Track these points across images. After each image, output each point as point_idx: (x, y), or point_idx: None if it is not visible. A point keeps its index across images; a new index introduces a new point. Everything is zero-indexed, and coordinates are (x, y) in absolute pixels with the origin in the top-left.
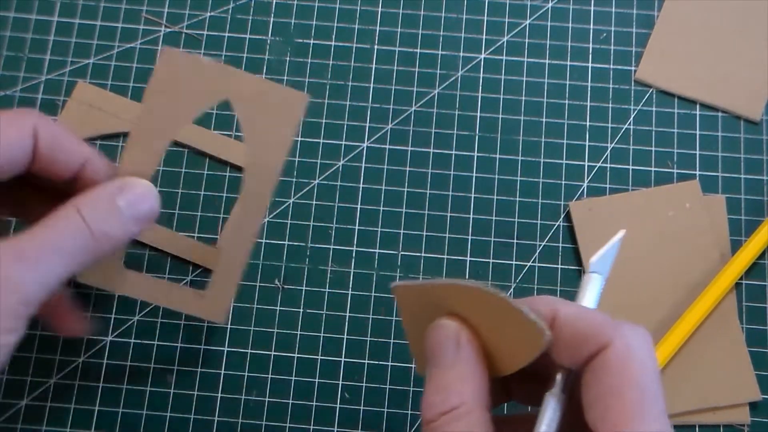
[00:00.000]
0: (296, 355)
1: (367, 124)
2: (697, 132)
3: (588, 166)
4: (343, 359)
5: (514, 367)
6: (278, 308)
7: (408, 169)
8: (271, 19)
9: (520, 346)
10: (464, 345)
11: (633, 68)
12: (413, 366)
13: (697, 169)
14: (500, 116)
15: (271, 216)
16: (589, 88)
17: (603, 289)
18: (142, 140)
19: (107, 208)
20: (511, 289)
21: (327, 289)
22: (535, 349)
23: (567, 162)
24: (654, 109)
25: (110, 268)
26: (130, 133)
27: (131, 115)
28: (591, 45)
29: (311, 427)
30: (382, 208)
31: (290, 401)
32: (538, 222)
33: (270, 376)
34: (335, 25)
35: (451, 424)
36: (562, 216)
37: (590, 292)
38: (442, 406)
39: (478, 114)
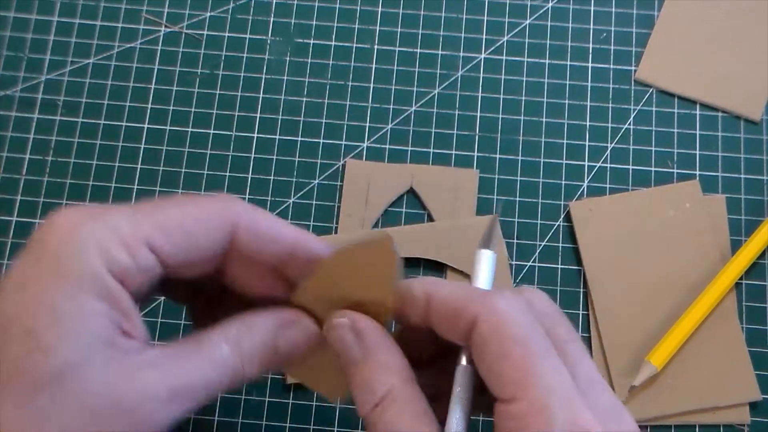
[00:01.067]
0: None
1: (367, 124)
2: (697, 132)
3: (588, 166)
4: None
5: (393, 298)
6: None
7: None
8: (271, 19)
9: (384, 273)
10: (363, 332)
11: (633, 68)
12: None
13: (697, 169)
14: (500, 116)
15: None
16: (589, 88)
17: (495, 264)
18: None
19: (267, 345)
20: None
21: None
22: (393, 264)
23: (567, 162)
24: (654, 109)
25: None
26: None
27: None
28: (591, 45)
29: (311, 427)
30: None
31: (290, 401)
32: (538, 222)
33: (270, 376)
34: (335, 25)
35: (385, 413)
36: (562, 216)
37: (481, 271)
38: (372, 401)
39: (478, 114)
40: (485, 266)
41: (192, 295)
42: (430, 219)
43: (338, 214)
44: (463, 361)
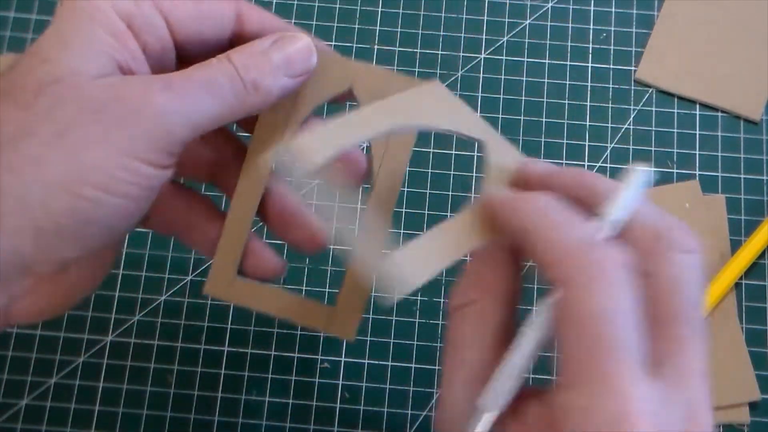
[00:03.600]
0: (296, 355)
1: None
2: (697, 132)
3: (588, 166)
4: (343, 359)
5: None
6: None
7: (408, 168)
8: None
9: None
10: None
11: (633, 68)
12: (413, 366)
13: (697, 169)
14: (500, 116)
15: None
16: (589, 88)
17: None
18: (270, 132)
19: (260, 60)
20: None
21: (327, 289)
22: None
23: (567, 162)
24: (654, 109)
25: (232, 281)
26: (257, 122)
27: None
28: (591, 45)
29: (311, 427)
30: None
31: (290, 401)
32: None
33: (270, 376)
34: (335, 25)
35: (464, 320)
36: None
37: (625, 191)
38: (458, 299)
39: (478, 114)
40: (632, 191)
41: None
42: None
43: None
44: (538, 321)
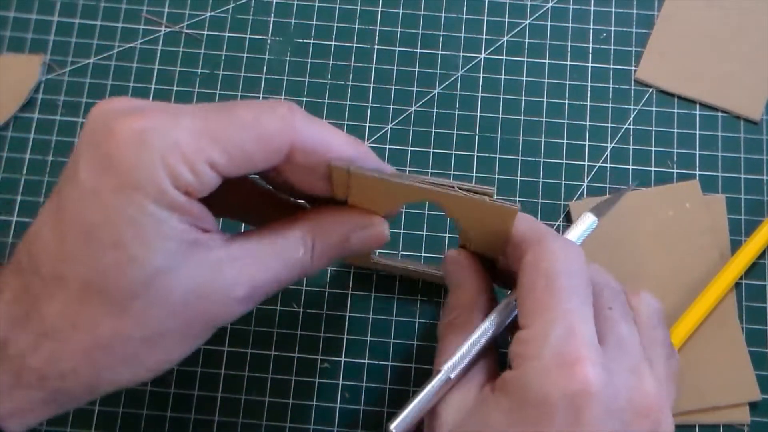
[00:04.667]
0: (296, 355)
1: (367, 124)
2: (697, 132)
3: (588, 166)
4: (343, 359)
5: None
6: (278, 308)
7: (408, 169)
8: (271, 19)
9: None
10: (457, 264)
11: (633, 68)
12: (413, 366)
13: (697, 169)
14: (500, 116)
15: None
16: (589, 88)
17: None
18: None
19: (339, 246)
20: None
21: (327, 290)
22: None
23: (567, 162)
24: (654, 109)
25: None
26: None
27: None
28: (591, 45)
29: (311, 427)
30: None
31: (290, 401)
32: None
33: (270, 376)
34: (335, 25)
35: (447, 332)
36: (562, 216)
37: (577, 228)
38: (443, 320)
39: (478, 114)
40: (582, 227)
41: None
42: None
43: None
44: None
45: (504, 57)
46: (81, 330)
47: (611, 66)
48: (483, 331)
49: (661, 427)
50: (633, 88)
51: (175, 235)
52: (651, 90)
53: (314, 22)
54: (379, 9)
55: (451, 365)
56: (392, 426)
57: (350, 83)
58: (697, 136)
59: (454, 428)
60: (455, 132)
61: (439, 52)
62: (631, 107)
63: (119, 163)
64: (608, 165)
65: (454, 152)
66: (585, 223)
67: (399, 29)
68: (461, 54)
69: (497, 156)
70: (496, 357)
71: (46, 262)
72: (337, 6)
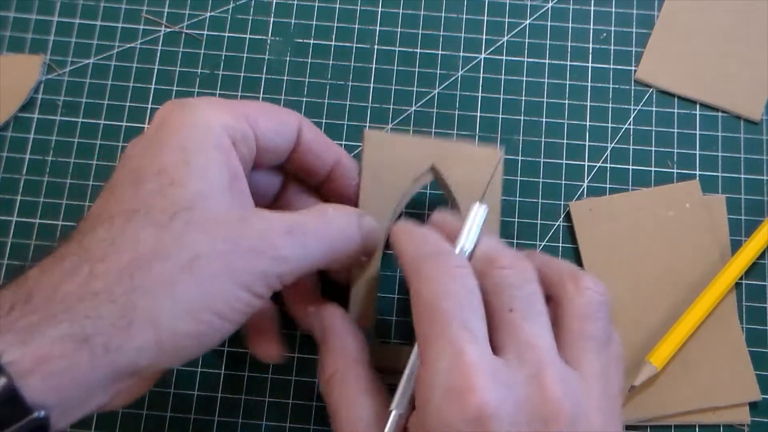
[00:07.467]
0: (296, 355)
1: (368, 124)
2: (697, 132)
3: (588, 166)
4: None
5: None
6: (278, 308)
7: None
8: (271, 19)
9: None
10: (324, 319)
11: (633, 68)
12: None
13: (697, 169)
14: (500, 116)
15: None
16: (589, 88)
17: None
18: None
19: (350, 221)
20: None
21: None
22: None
23: (567, 162)
24: (654, 109)
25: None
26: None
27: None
28: (591, 45)
29: (311, 427)
30: None
31: (290, 401)
32: (538, 222)
33: (270, 376)
34: (335, 25)
35: (333, 389)
36: (562, 216)
37: (468, 225)
38: (323, 378)
39: (478, 114)
40: (474, 220)
41: None
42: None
43: None
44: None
45: (504, 57)
46: (120, 248)
47: (611, 66)
48: (411, 366)
49: (577, 428)
50: (633, 88)
51: (217, 166)
52: (651, 90)
53: (314, 22)
54: (379, 9)
55: (395, 403)
56: None
57: (350, 83)
58: (697, 136)
59: None
60: (455, 132)
61: (439, 52)
62: (631, 107)
63: (173, 119)
64: (608, 165)
65: None
66: (478, 216)
67: (399, 29)
68: (461, 54)
69: None
70: None
71: (94, 209)
72: (337, 6)
